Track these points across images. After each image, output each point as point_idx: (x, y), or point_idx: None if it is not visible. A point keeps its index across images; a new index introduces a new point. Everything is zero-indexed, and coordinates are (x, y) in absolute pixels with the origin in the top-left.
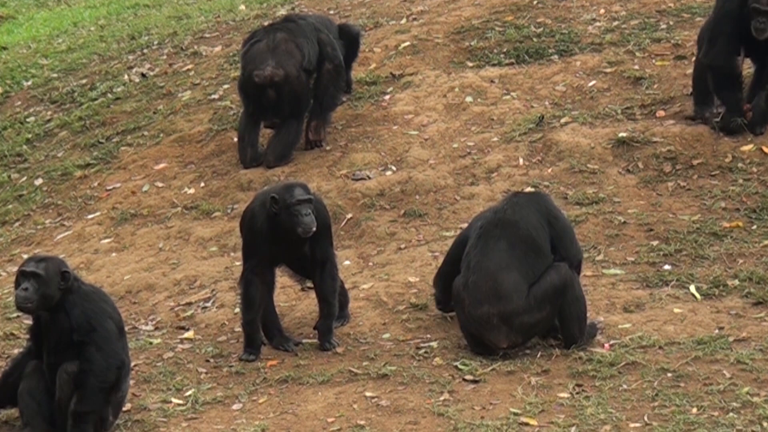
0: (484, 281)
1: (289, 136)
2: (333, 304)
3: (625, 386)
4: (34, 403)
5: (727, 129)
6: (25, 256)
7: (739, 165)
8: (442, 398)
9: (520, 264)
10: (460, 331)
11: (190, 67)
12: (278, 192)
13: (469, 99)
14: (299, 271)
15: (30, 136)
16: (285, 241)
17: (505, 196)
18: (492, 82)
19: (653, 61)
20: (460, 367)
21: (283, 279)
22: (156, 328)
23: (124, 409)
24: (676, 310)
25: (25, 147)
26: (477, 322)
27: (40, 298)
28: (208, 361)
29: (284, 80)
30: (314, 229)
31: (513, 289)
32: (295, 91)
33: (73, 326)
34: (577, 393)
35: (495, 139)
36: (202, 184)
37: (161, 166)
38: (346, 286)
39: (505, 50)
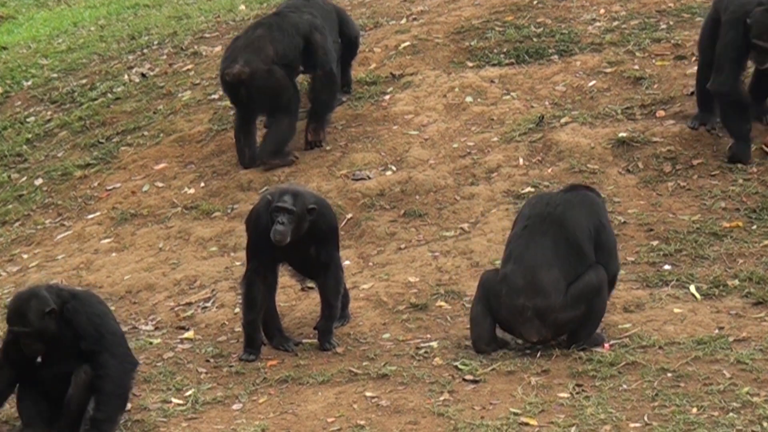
0: (524, 274)
1: (279, 132)
2: (334, 307)
3: (625, 386)
4: (33, 406)
5: (736, 159)
6: (25, 257)
7: (739, 165)
8: (442, 398)
9: (562, 263)
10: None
11: (190, 67)
12: (272, 194)
13: (469, 99)
14: (302, 272)
15: (30, 136)
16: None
17: (561, 188)
18: (492, 82)
19: (653, 61)
20: (460, 367)
21: (283, 279)
22: (156, 328)
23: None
24: (676, 310)
25: (25, 147)
26: (511, 313)
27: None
28: (208, 361)
29: (251, 77)
30: (285, 240)
31: (552, 286)
32: (268, 87)
33: (80, 334)
34: (577, 393)
35: (495, 139)
36: (202, 184)
37: (161, 166)
38: (347, 285)
39: (505, 50)
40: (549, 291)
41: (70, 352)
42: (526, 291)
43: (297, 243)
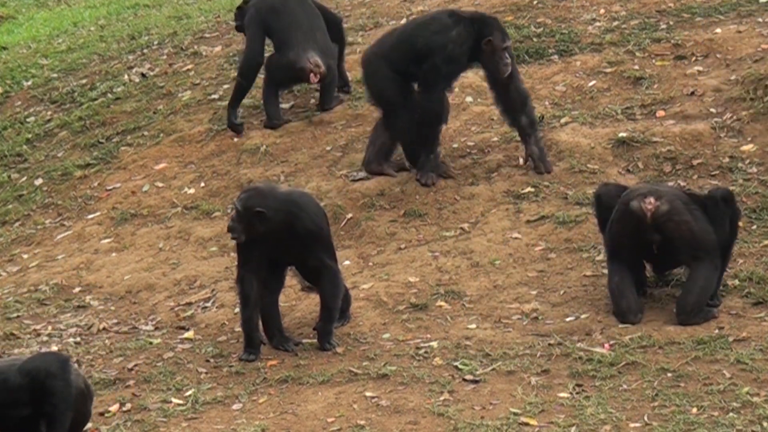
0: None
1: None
2: (332, 309)
3: (625, 386)
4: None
5: None
6: (25, 257)
7: (739, 165)
8: (442, 398)
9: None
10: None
11: (190, 67)
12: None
13: (469, 99)
14: (301, 274)
15: (30, 136)
16: (267, 242)
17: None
18: None
19: (653, 61)
20: (460, 367)
21: None
22: (156, 328)
23: (124, 409)
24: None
25: (25, 147)
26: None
27: None
28: (208, 361)
29: None
30: (237, 238)
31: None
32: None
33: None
34: (577, 393)
35: (495, 139)
36: (202, 184)
37: (161, 166)
38: (347, 285)
39: None
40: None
41: None
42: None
43: (276, 244)
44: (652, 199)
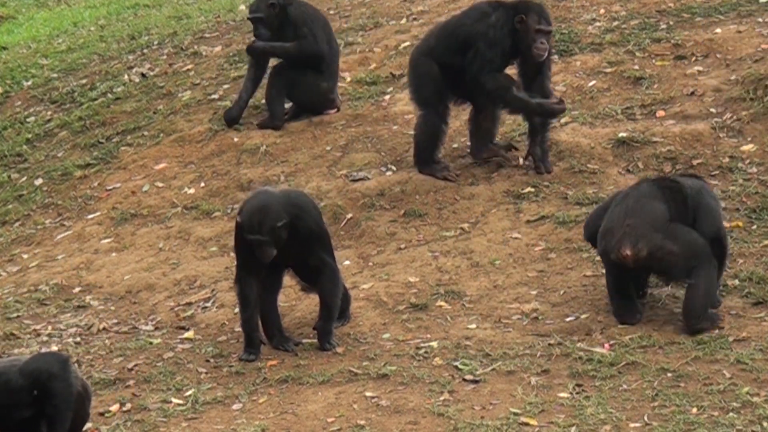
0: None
1: None
2: (332, 308)
3: (625, 386)
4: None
5: None
6: (25, 257)
7: (739, 165)
8: (442, 398)
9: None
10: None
11: (190, 67)
12: (242, 217)
13: None
14: (299, 274)
15: (30, 136)
16: None
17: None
18: None
19: (653, 61)
20: (460, 367)
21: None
22: (156, 328)
23: (124, 409)
24: (675, 310)
25: (25, 147)
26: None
27: None
28: (208, 361)
29: None
30: (270, 259)
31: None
32: None
33: None
34: (577, 393)
35: (495, 139)
36: (202, 184)
37: (161, 166)
38: (347, 285)
39: None
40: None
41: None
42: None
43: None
44: (628, 251)
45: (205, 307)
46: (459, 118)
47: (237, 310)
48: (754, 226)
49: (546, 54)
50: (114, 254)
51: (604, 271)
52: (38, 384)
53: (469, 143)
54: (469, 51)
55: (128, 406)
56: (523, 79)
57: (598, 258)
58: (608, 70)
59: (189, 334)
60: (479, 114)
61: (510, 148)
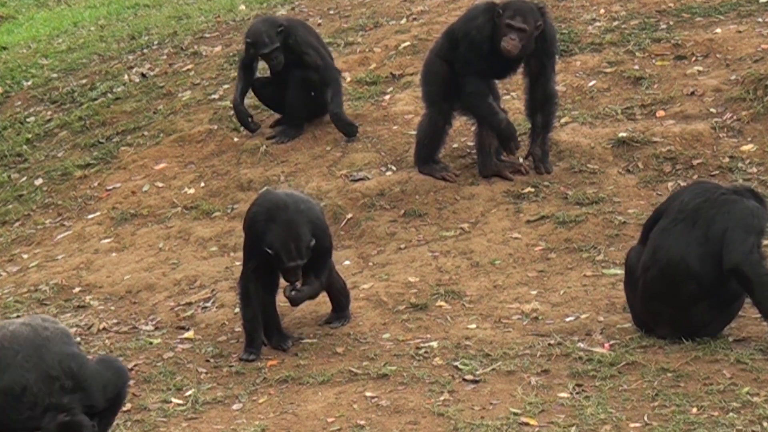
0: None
1: None
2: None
3: (625, 386)
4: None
5: None
6: (25, 257)
7: (739, 165)
8: (442, 398)
9: None
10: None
11: (190, 67)
12: (273, 245)
13: None
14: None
15: (30, 136)
16: None
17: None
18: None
19: (653, 61)
20: (460, 367)
21: (283, 279)
22: (156, 328)
23: (124, 409)
24: None
25: (25, 147)
26: None
27: None
28: (208, 361)
29: None
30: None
31: None
32: None
33: None
34: (577, 393)
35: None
36: (202, 184)
37: (161, 166)
38: (347, 285)
39: None
40: None
41: None
42: None
43: None
44: None
45: (205, 307)
46: (460, 118)
47: (237, 310)
48: None
49: (516, 51)
50: (114, 254)
51: (605, 270)
52: (116, 388)
53: (469, 143)
54: (459, 48)
55: (128, 406)
56: (526, 80)
57: (599, 258)
58: (608, 70)
59: (189, 334)
60: (482, 129)
61: (516, 169)
